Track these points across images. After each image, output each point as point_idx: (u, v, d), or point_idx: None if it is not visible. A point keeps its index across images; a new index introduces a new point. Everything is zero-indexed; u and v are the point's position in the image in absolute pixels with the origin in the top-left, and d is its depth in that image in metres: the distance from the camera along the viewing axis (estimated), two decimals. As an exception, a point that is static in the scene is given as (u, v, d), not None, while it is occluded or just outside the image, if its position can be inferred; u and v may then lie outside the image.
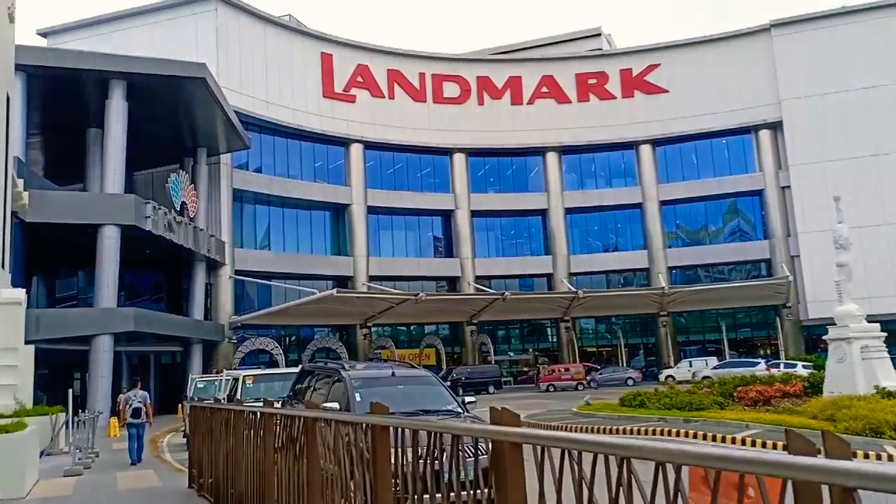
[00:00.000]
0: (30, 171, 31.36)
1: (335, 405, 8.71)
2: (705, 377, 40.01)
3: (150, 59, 34.08)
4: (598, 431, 18.75)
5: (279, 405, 11.66)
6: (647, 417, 19.98)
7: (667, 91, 55.69)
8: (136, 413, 15.70)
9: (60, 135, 37.48)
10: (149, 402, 16.23)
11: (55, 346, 31.16)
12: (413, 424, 3.29)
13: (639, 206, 55.80)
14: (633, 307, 51.34)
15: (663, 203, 55.45)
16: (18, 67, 29.43)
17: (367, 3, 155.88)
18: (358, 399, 8.78)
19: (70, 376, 40.06)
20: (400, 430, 3.32)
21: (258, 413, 6.46)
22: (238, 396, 15.06)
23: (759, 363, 41.30)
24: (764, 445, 14.61)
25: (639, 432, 17.90)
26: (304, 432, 4.90)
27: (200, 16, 44.33)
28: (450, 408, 9.20)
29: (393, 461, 3.45)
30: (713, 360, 42.97)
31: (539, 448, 2.29)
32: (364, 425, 3.77)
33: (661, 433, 17.41)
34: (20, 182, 25.74)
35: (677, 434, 17.04)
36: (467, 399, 9.75)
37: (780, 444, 14.09)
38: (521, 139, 55.75)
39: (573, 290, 49.14)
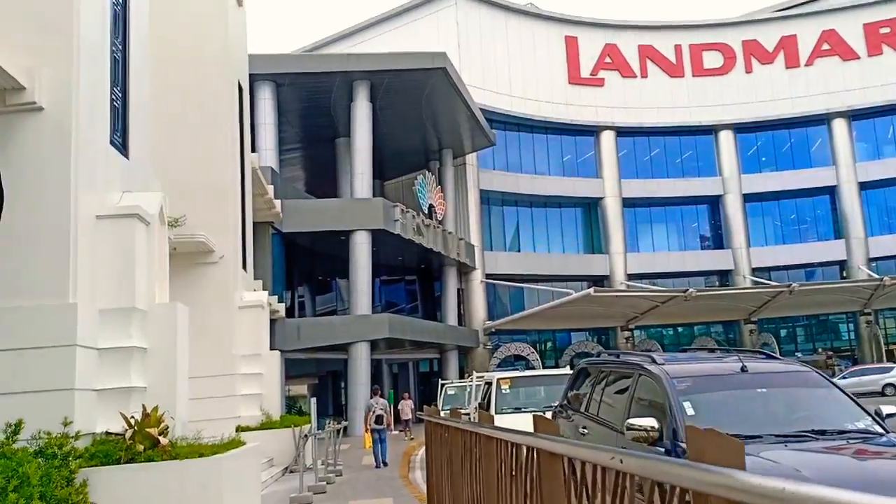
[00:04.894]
0: (285, 182, 31.70)
1: (649, 423, 5.08)
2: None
3: (388, 54, 33.37)
4: None
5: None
6: None
7: None
8: (379, 420, 16.60)
9: (314, 149, 38.26)
10: (388, 409, 17.04)
11: (321, 355, 31.13)
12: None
13: (958, 173, 45.14)
14: (959, 295, 41.17)
15: None
16: (267, 77, 29.94)
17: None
18: (690, 412, 5.10)
19: (337, 385, 40.72)
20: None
21: (524, 447, 3.04)
22: (493, 406, 11.90)
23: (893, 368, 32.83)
24: None
25: None
26: None
27: (440, 13, 43.39)
28: (862, 426, 5.20)
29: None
30: None
31: None
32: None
33: None
34: (270, 189, 25.50)
35: None
36: (886, 409, 5.58)
37: None
38: (800, 107, 47.79)
39: (877, 277, 40.62)
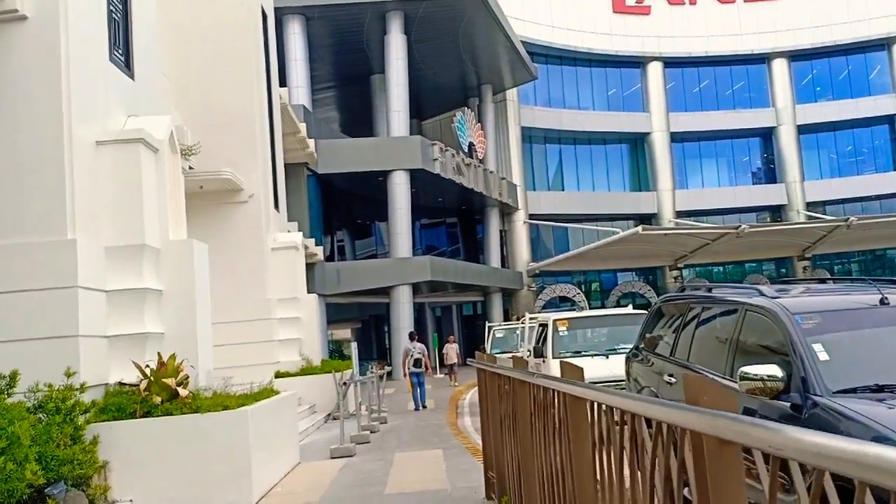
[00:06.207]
0: (318, 122, 30.59)
1: (770, 371, 3.99)
2: None
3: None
4: None
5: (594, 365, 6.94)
6: None
7: None
8: (417, 363, 16.77)
9: (348, 87, 37.02)
10: (426, 353, 17.20)
11: (363, 299, 30.48)
12: None
13: None
14: None
15: None
16: (296, 10, 28.63)
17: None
18: (823, 357, 4.00)
19: (380, 329, 40.25)
20: None
21: (654, 422, 1.96)
22: (549, 349, 10.88)
23: None
24: None
25: None
26: None
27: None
28: None
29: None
30: None
31: None
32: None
33: None
34: (302, 128, 24.45)
35: None
36: None
37: None
38: (859, 31, 44.75)
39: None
